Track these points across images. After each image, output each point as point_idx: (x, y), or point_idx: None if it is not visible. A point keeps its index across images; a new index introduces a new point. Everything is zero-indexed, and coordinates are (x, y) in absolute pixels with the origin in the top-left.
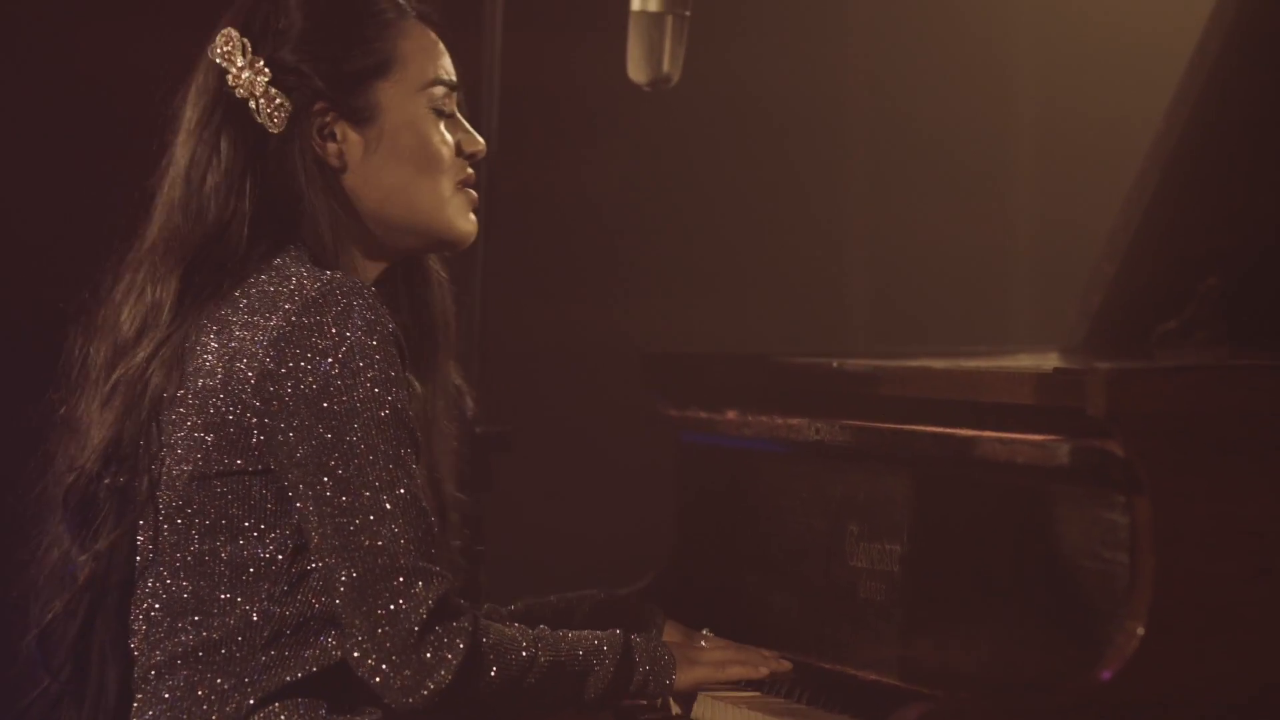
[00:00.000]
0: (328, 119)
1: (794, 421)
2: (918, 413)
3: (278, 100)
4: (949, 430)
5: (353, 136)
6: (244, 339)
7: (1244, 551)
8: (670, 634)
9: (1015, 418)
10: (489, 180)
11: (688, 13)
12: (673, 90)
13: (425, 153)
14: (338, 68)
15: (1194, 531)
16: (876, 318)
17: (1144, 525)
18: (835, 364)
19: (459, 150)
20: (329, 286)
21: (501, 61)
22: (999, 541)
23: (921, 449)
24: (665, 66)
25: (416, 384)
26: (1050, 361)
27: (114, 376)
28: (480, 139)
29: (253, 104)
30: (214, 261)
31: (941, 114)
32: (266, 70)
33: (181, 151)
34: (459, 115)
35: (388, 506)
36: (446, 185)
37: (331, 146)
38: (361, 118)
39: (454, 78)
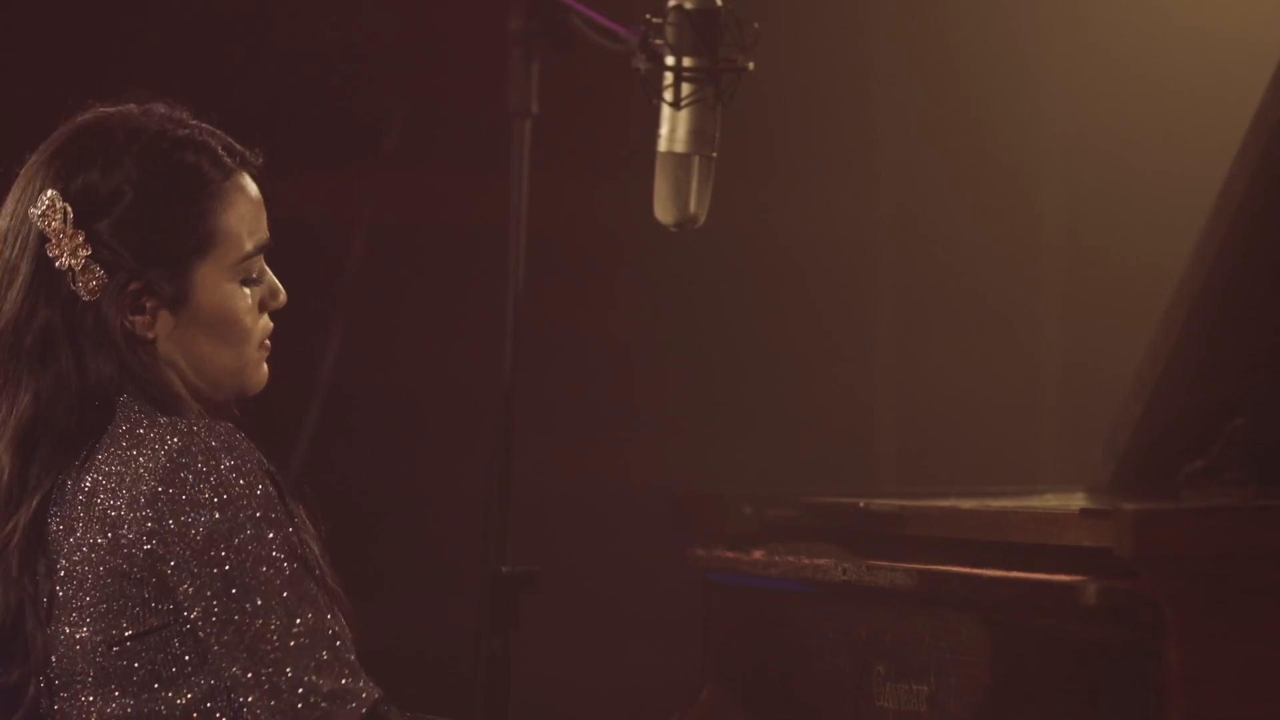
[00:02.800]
0: (141, 299)
1: (821, 562)
2: (945, 553)
3: (96, 273)
4: (976, 571)
5: (164, 313)
6: (117, 506)
7: (1273, 693)
8: None
9: (1042, 558)
10: (515, 320)
11: (714, 154)
12: (699, 231)
13: (233, 327)
14: (158, 252)
15: (1222, 673)
16: (903, 457)
17: (1172, 666)
18: (862, 504)
19: (262, 307)
20: (187, 438)
21: (528, 201)
22: (1026, 682)
23: (948, 589)
24: (692, 207)
25: (304, 514)
26: (1077, 502)
27: None
28: (282, 291)
29: (69, 275)
30: (48, 429)
31: (969, 254)
32: (87, 247)
33: (4, 295)
34: (265, 267)
35: (293, 644)
36: (250, 350)
37: (140, 319)
38: (175, 299)
39: (267, 239)
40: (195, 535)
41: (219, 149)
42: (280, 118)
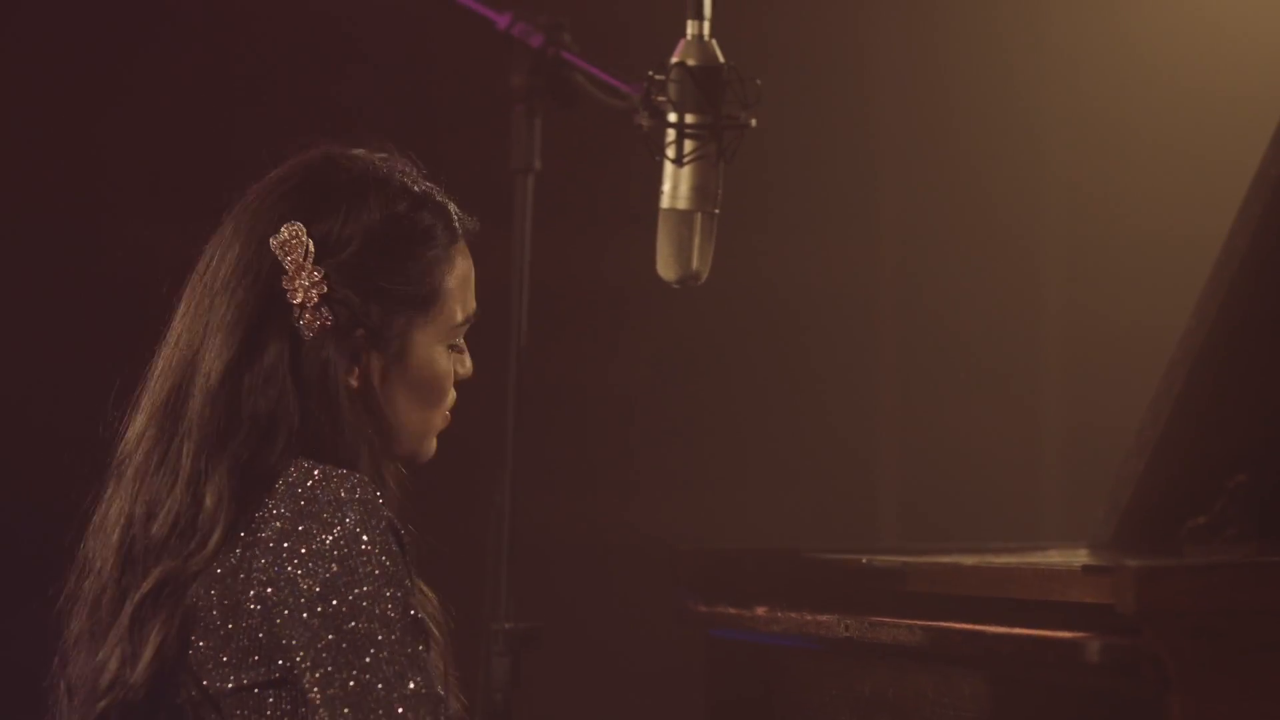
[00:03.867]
0: (360, 346)
1: (823, 618)
2: (947, 609)
3: (325, 314)
4: (979, 627)
5: (375, 364)
6: (248, 543)
7: None
8: None
9: (1045, 614)
10: (517, 375)
11: (717, 210)
12: (701, 287)
13: (434, 389)
14: (385, 301)
15: None
16: (906, 513)
17: None
18: (864, 560)
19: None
20: (318, 487)
21: (531, 256)
22: None
23: (951, 646)
24: (694, 263)
25: (424, 586)
26: (1080, 558)
27: (156, 576)
28: (471, 363)
29: (297, 310)
30: (259, 469)
31: (970, 309)
32: (324, 285)
33: (219, 338)
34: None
35: (400, 708)
36: (436, 417)
37: (356, 367)
38: (389, 351)
39: (474, 308)
40: (312, 586)
41: (452, 212)
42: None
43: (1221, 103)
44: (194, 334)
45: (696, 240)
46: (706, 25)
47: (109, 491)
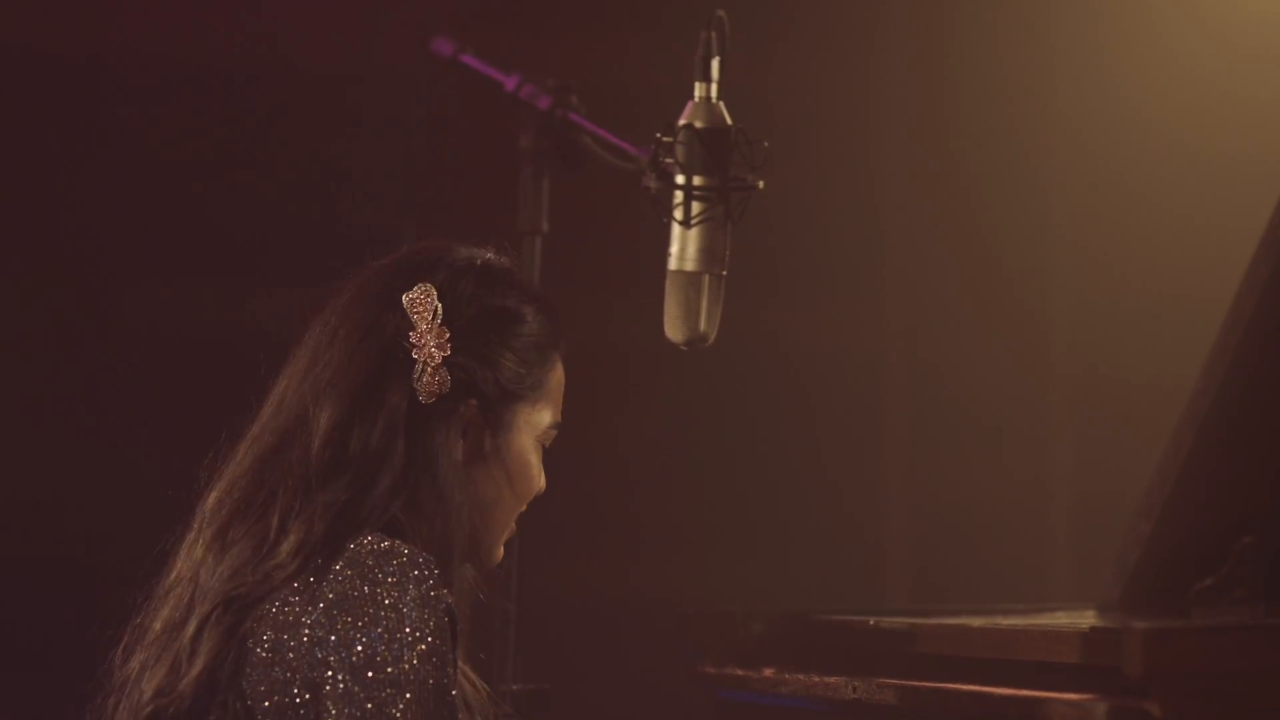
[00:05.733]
0: (471, 417)
1: (831, 680)
2: (955, 671)
3: (444, 377)
4: (987, 689)
5: (480, 441)
6: (300, 602)
7: None
8: None
9: (1053, 676)
10: None
11: (724, 272)
12: (709, 348)
13: (524, 482)
14: (501, 375)
15: None
16: (914, 575)
17: None
18: (872, 622)
19: None
20: (388, 555)
21: None
22: None
23: (960, 708)
24: (702, 325)
25: (470, 672)
26: (1087, 620)
27: (221, 594)
28: (544, 480)
29: (418, 369)
30: (349, 511)
31: (978, 372)
32: (448, 348)
33: (333, 394)
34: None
35: None
36: (512, 515)
37: (461, 442)
38: (497, 429)
39: (561, 419)
40: (357, 651)
41: (559, 318)
42: (287, 234)
43: (1227, 165)
44: (302, 394)
45: (704, 302)
46: (714, 87)
47: (193, 535)
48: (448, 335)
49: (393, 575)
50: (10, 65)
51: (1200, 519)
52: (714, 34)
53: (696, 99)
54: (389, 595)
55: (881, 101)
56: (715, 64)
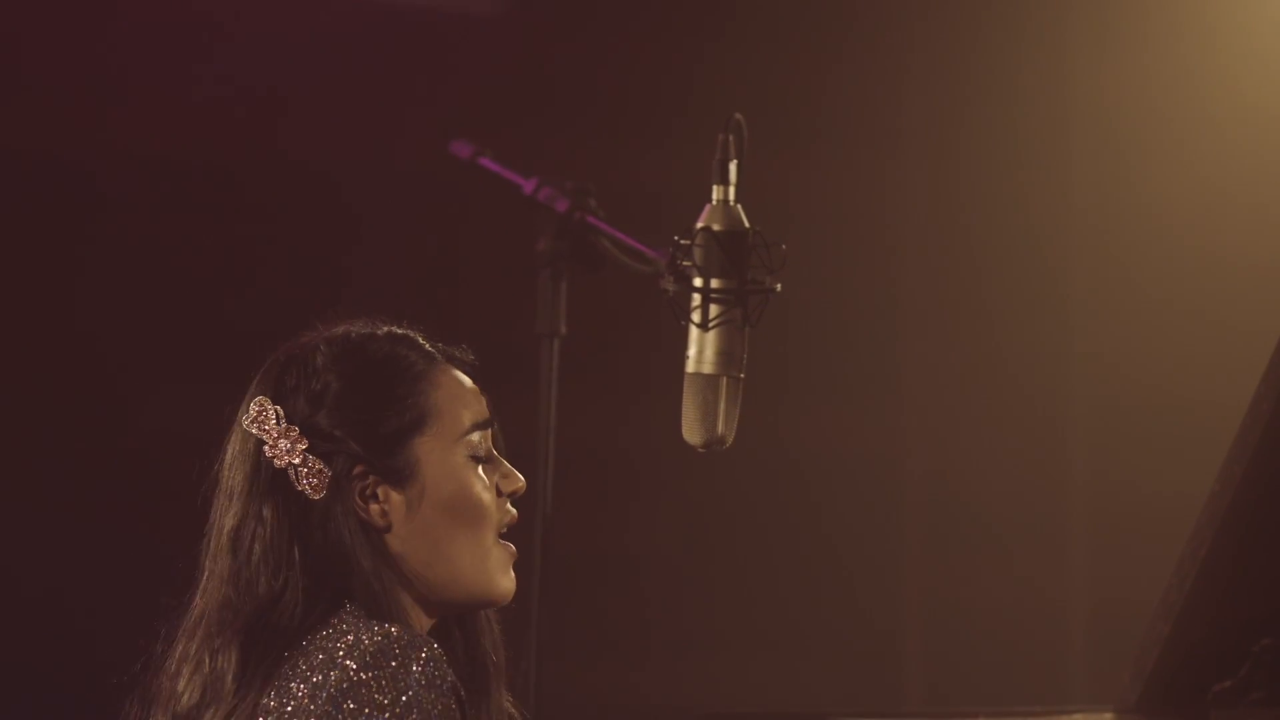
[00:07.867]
0: (368, 481)
1: None
2: None
3: (317, 467)
4: None
5: (394, 496)
6: (301, 697)
7: None
8: None
9: None
10: (543, 539)
11: (742, 375)
12: (727, 451)
13: (468, 504)
14: (373, 430)
15: None
16: (931, 678)
17: None
18: None
19: (498, 492)
20: (387, 642)
21: (556, 419)
22: None
23: None
24: (720, 428)
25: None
26: None
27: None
28: (520, 476)
29: (291, 473)
30: (271, 629)
31: (995, 474)
32: (304, 439)
33: (226, 520)
34: (496, 453)
35: None
36: (489, 536)
37: (374, 508)
38: (401, 477)
39: (488, 417)
40: None
41: (420, 340)
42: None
43: (1243, 269)
44: (218, 537)
45: (722, 405)
46: (732, 190)
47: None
48: (297, 431)
49: (395, 661)
50: (32, 167)
51: (1218, 621)
52: (731, 137)
53: (714, 202)
54: (393, 682)
55: (899, 205)
56: (733, 167)
